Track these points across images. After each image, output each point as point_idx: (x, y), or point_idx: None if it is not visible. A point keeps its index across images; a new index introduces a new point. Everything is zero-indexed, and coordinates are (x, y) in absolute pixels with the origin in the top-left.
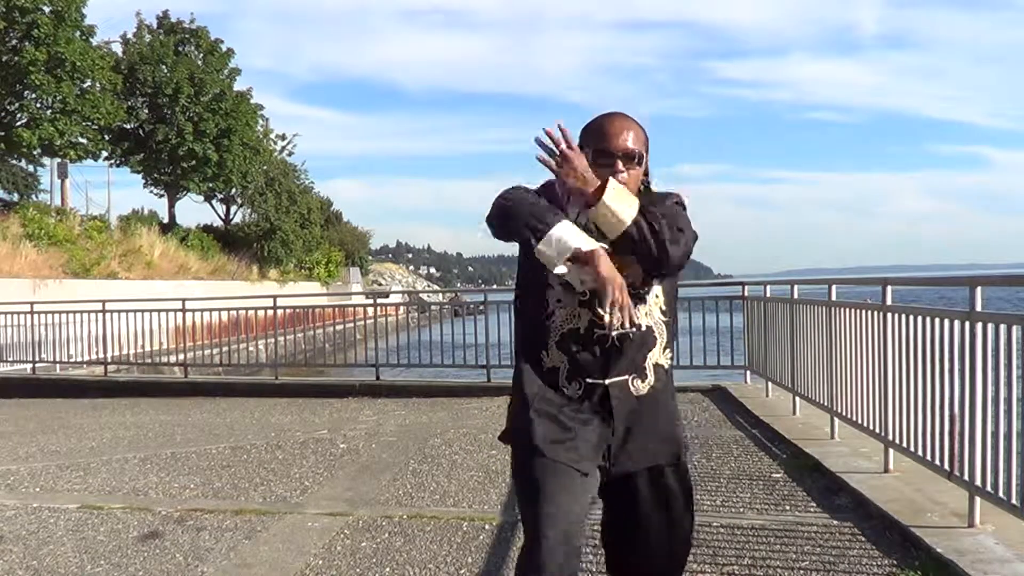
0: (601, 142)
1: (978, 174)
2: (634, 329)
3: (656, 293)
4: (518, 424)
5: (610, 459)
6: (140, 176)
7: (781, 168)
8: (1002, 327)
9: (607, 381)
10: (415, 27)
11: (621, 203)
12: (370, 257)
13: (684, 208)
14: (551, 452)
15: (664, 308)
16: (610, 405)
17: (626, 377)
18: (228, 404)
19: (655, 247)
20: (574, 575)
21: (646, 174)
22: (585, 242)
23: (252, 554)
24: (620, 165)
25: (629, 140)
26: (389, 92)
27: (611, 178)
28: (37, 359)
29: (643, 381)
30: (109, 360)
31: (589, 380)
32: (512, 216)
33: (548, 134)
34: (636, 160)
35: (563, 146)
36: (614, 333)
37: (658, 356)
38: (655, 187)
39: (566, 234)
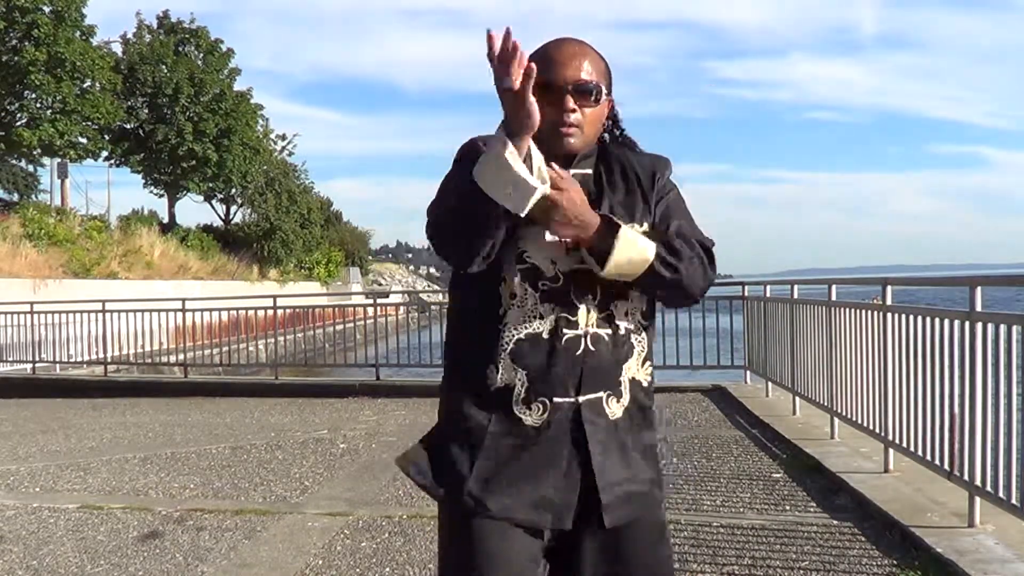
0: (545, 72)
1: (978, 174)
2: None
3: (640, 290)
4: (450, 469)
5: (578, 508)
6: (140, 176)
7: (781, 168)
8: (1002, 327)
9: (580, 399)
10: (415, 27)
11: (632, 252)
12: (370, 257)
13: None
14: (500, 508)
15: (645, 309)
16: (583, 433)
17: (600, 394)
18: (228, 404)
19: (679, 289)
20: None
21: (615, 120)
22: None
23: (252, 554)
24: (570, 102)
25: (583, 70)
26: (389, 92)
27: (621, 225)
28: (37, 359)
29: (619, 401)
30: (109, 360)
31: (556, 399)
32: (447, 208)
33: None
34: (593, 96)
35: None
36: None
37: (635, 370)
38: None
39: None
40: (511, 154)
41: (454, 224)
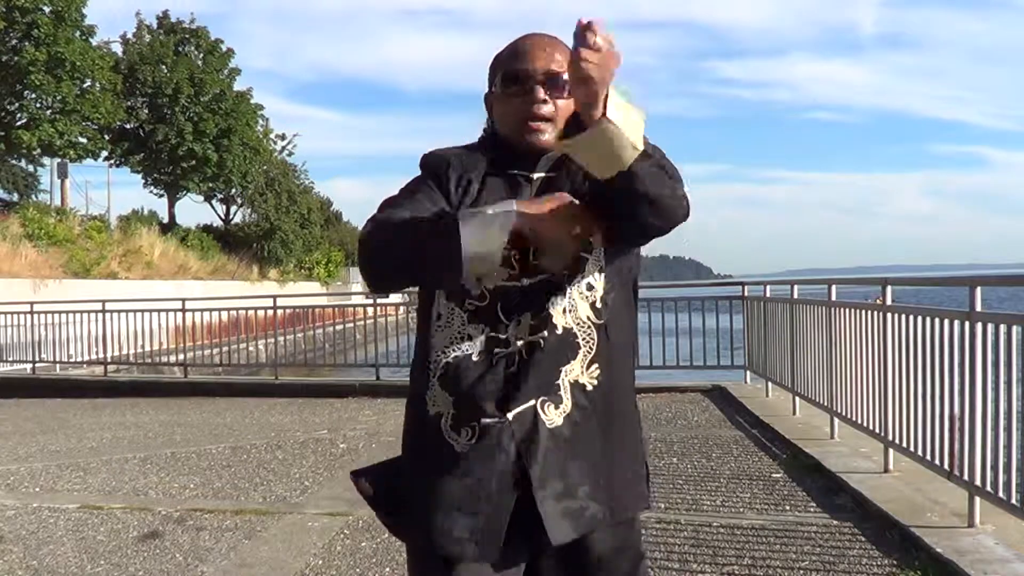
0: (514, 63)
1: (978, 174)
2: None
3: (589, 282)
4: (408, 509)
5: (532, 531)
6: (140, 176)
7: (781, 168)
8: (1002, 327)
9: (509, 415)
10: (414, 27)
11: (629, 125)
12: None
13: None
14: (435, 541)
15: (599, 304)
16: (516, 450)
17: (532, 402)
18: (228, 404)
19: (665, 200)
20: None
21: None
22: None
23: (252, 554)
24: (541, 93)
25: (554, 60)
26: (388, 92)
27: (612, 87)
28: (37, 359)
29: (556, 407)
30: (109, 360)
31: (485, 420)
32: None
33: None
34: (564, 88)
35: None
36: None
37: (578, 372)
38: None
39: (477, 220)
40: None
41: (408, 256)
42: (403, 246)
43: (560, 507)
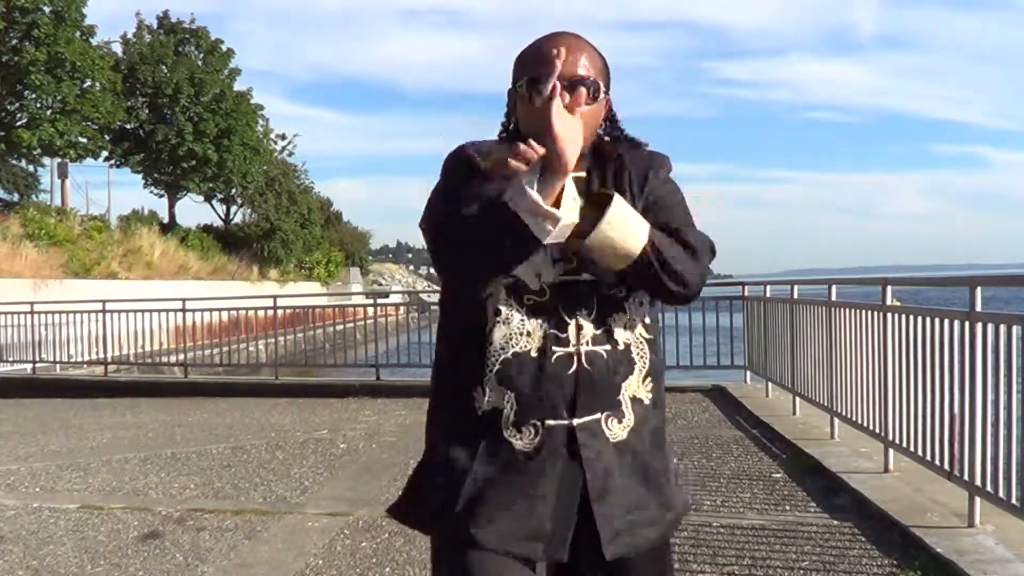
0: (538, 67)
1: (978, 174)
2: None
3: (640, 298)
4: (439, 500)
5: (579, 540)
6: (140, 176)
7: (781, 168)
8: (1002, 327)
9: (575, 422)
10: (413, 27)
11: (625, 228)
12: (370, 257)
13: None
14: (490, 538)
15: (648, 322)
16: (579, 458)
17: (598, 416)
18: (228, 404)
19: (671, 283)
20: None
21: (612, 121)
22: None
23: (252, 554)
24: (565, 98)
25: (579, 64)
26: (388, 92)
27: (615, 195)
28: (37, 359)
29: (620, 422)
30: (109, 360)
31: (550, 422)
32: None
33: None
34: (591, 92)
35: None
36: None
37: (636, 387)
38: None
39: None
40: (539, 206)
41: (481, 237)
42: (475, 229)
43: (620, 523)
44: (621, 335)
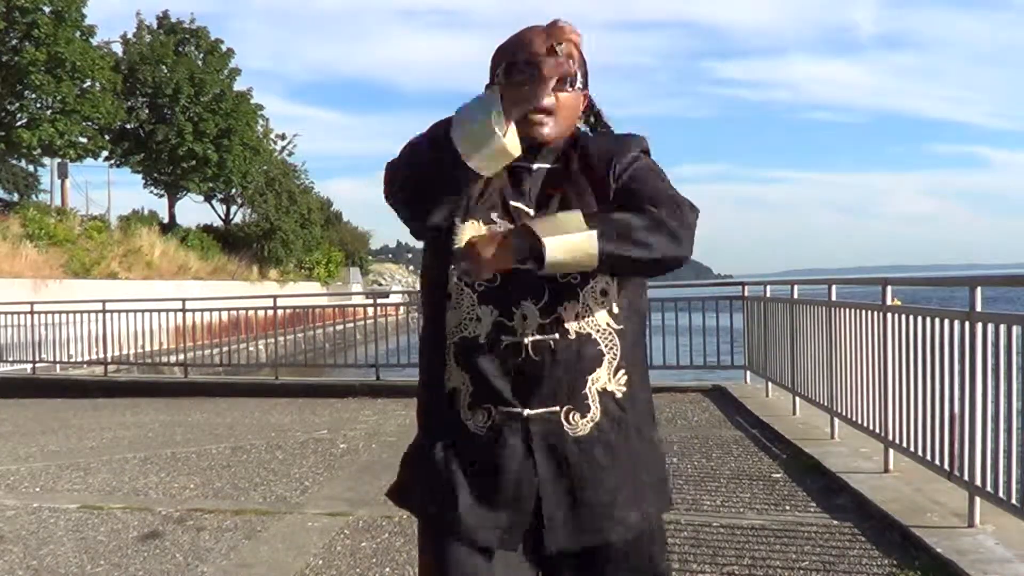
0: (517, 54)
1: (978, 174)
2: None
3: (603, 287)
4: (416, 484)
5: (537, 532)
6: (140, 176)
7: (781, 168)
8: (1002, 327)
9: (527, 412)
10: (412, 27)
11: (572, 256)
12: (370, 257)
13: (650, 157)
14: (458, 525)
15: (615, 310)
16: (530, 449)
17: (556, 408)
18: (228, 404)
19: (646, 264)
20: None
21: (593, 110)
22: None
23: (252, 554)
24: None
25: (558, 49)
26: (388, 92)
27: (540, 238)
28: (37, 359)
29: (583, 416)
30: (109, 360)
31: (501, 407)
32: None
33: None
34: (568, 81)
35: None
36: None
37: (605, 380)
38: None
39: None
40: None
41: (419, 167)
42: (413, 157)
43: (563, 517)
44: (574, 325)
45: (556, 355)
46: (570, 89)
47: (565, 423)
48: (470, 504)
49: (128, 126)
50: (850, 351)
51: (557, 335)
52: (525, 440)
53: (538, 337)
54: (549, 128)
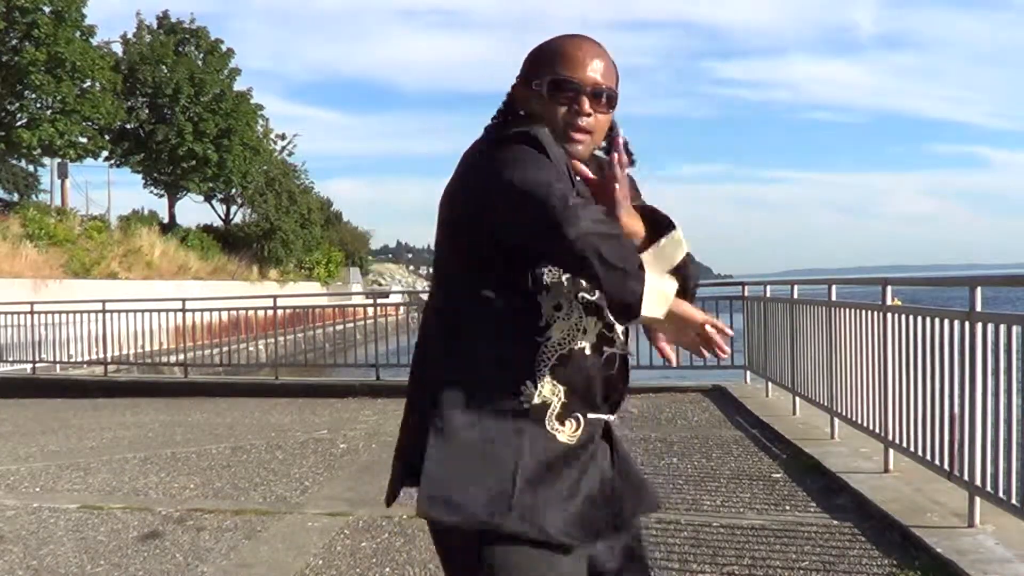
0: (563, 69)
1: (978, 174)
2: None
3: None
4: (487, 496)
5: (617, 524)
6: (140, 176)
7: (781, 168)
8: (1002, 327)
9: (611, 416)
10: (412, 27)
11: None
12: (370, 257)
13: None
14: (550, 530)
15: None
16: (611, 446)
17: (621, 412)
18: (228, 404)
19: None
20: None
21: (613, 130)
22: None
23: (252, 554)
24: (587, 105)
25: (601, 73)
26: (388, 92)
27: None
28: (37, 359)
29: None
30: (109, 360)
31: (591, 415)
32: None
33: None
34: (607, 102)
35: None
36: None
37: None
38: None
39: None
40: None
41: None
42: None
43: (632, 492)
44: (632, 343)
45: (628, 362)
46: (607, 109)
47: (618, 421)
48: (577, 514)
49: (128, 126)
50: (850, 351)
51: (632, 349)
52: (607, 441)
53: (626, 351)
54: (584, 146)
